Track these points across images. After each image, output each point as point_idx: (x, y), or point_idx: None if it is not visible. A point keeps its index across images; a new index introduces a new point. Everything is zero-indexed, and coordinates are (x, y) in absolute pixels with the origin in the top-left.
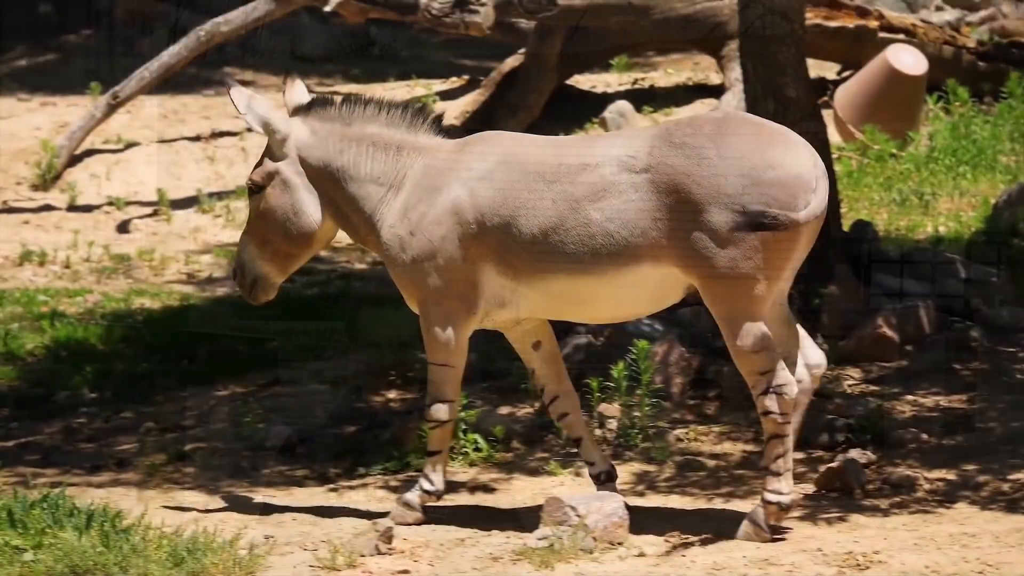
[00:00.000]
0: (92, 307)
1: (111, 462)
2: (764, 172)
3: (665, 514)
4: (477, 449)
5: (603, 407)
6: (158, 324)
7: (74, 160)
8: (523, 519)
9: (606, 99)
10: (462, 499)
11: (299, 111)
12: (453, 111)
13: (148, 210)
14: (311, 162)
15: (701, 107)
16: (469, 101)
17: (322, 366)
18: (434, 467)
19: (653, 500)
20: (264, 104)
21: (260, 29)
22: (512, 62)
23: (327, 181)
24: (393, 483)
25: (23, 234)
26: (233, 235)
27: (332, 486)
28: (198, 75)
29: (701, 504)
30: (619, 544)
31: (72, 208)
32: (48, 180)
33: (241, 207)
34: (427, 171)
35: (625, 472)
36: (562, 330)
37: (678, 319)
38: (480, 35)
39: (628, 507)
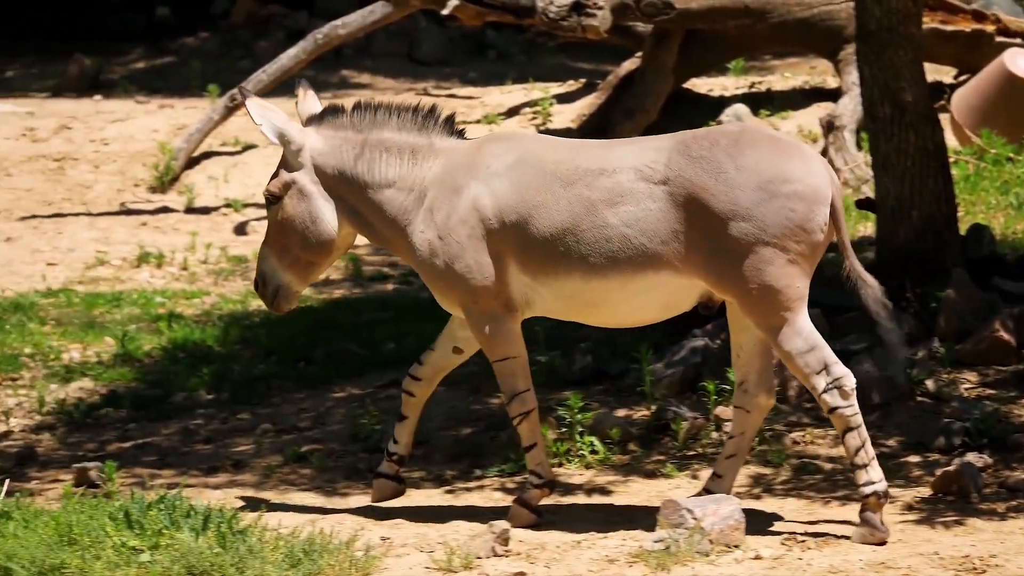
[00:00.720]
0: (209, 309)
1: (228, 463)
2: (781, 186)
3: (781, 517)
4: (594, 451)
5: (719, 410)
6: (275, 326)
7: (192, 162)
8: (639, 522)
9: (723, 103)
10: (578, 501)
11: (312, 121)
12: (569, 114)
13: (264, 212)
14: (326, 170)
15: (818, 111)
16: (585, 104)
17: None
18: (536, 461)
19: (769, 503)
20: (280, 116)
21: (377, 32)
22: (629, 65)
23: (344, 188)
24: (510, 485)
25: (141, 236)
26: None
27: (448, 488)
28: (315, 78)
29: (817, 507)
30: (735, 547)
31: (190, 210)
32: (166, 182)
33: None
34: (447, 172)
35: (741, 475)
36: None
37: None
38: (597, 39)
39: (744, 510)
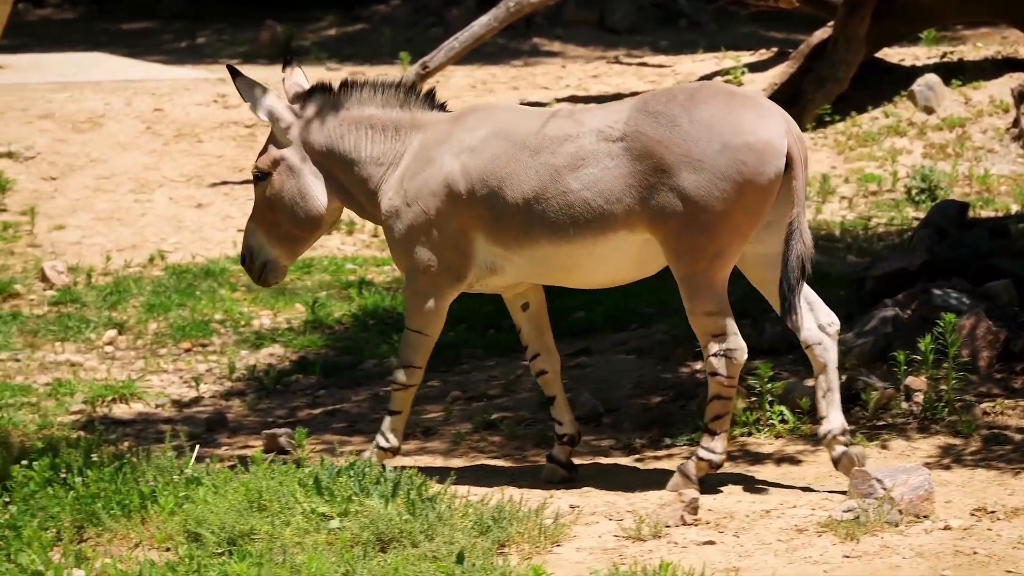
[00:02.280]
0: (399, 276)
1: (418, 430)
2: (733, 138)
3: (971, 487)
4: (783, 421)
5: (910, 380)
6: (464, 294)
7: None
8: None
9: (914, 72)
10: (768, 471)
11: (299, 98)
12: (761, 83)
13: None
14: (315, 147)
15: (1009, 81)
16: (777, 73)
17: (627, 336)
18: (390, 428)
19: (959, 473)
20: (269, 94)
21: (568, 0)
22: (820, 35)
23: (332, 163)
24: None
25: None
26: None
27: (637, 456)
28: (506, 46)
29: (1007, 478)
30: (925, 517)
31: None
32: None
33: None
34: (423, 145)
35: (931, 445)
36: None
37: (988, 292)
38: (789, 8)
39: (933, 480)
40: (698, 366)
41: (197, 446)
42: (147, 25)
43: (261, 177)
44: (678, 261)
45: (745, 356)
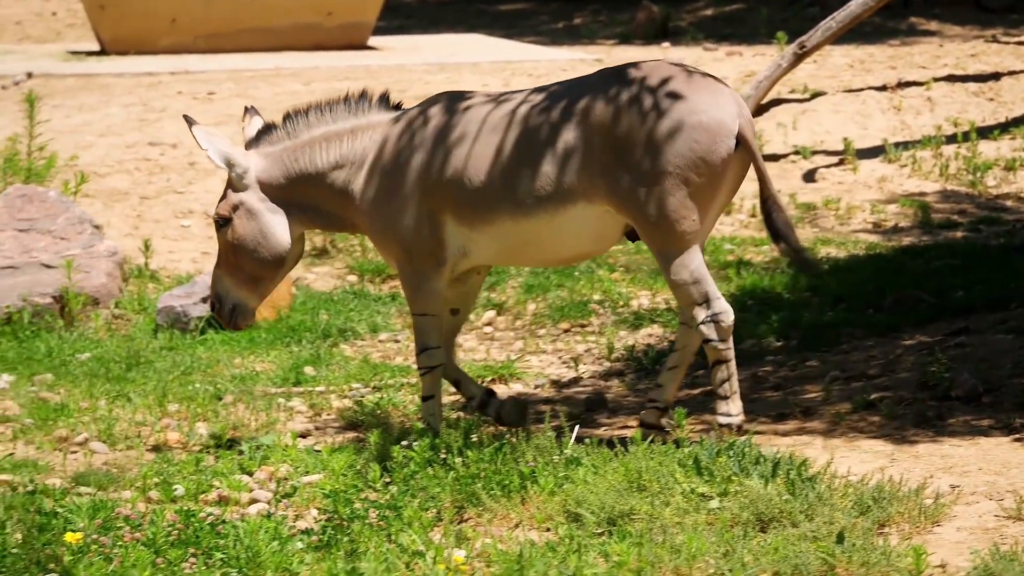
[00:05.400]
0: (778, 256)
1: (796, 410)
2: (687, 117)
3: None
4: None
5: None
6: (844, 273)
7: (760, 109)
8: None
9: None
10: None
11: (250, 144)
12: None
13: (834, 159)
14: (273, 183)
15: None
16: None
17: (1007, 315)
18: (429, 412)
19: None
20: (224, 141)
21: None
22: None
23: (294, 189)
24: None
25: None
26: (919, 185)
27: (1017, 436)
28: (883, 25)
29: None
30: None
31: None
32: None
33: (927, 157)
34: (386, 139)
35: None
36: None
37: None
38: None
39: None
40: None
41: (576, 426)
42: (523, 6)
43: (222, 224)
44: (647, 238)
45: (732, 318)
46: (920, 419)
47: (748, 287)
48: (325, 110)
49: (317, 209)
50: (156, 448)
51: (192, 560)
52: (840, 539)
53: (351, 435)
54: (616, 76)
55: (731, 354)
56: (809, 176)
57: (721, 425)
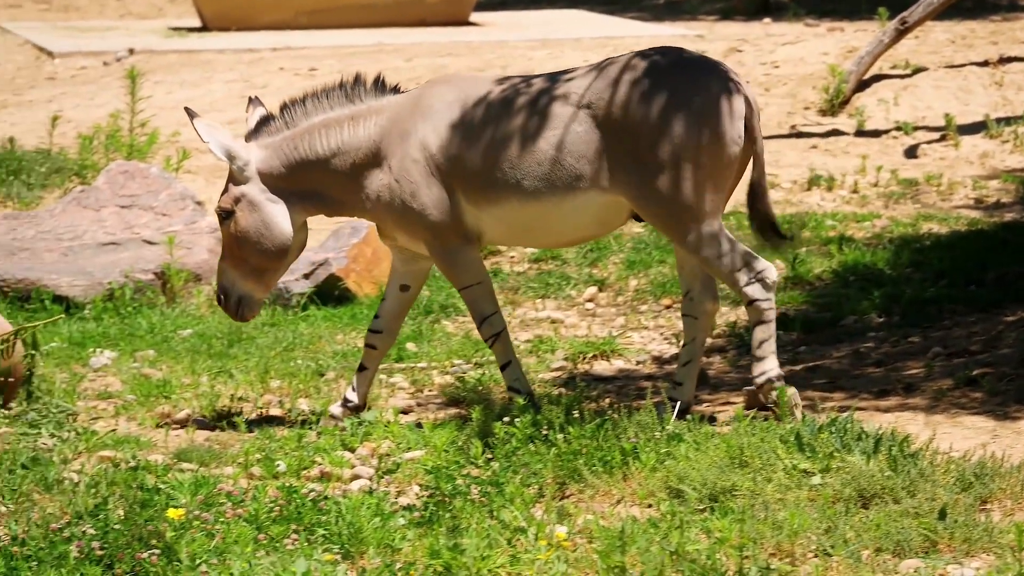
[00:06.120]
0: (879, 232)
1: (898, 386)
2: (696, 102)
3: None
4: None
5: None
6: (946, 249)
7: (862, 85)
8: None
9: None
10: None
11: (250, 135)
12: None
13: (935, 135)
14: (274, 173)
15: None
16: None
17: None
18: (513, 377)
19: None
20: (225, 134)
21: None
22: None
23: (296, 178)
24: None
25: (811, 158)
26: (1021, 161)
27: None
28: (985, 0)
29: None
30: None
31: (860, 133)
32: (836, 105)
33: None
34: (393, 121)
35: None
36: None
37: None
38: None
39: None
40: None
41: (679, 402)
42: None
43: (225, 216)
44: (669, 231)
45: (775, 273)
46: (1022, 395)
47: (850, 263)
48: (322, 98)
49: (320, 195)
50: (259, 423)
51: (294, 536)
52: (942, 515)
53: (453, 411)
54: (620, 65)
55: (774, 314)
56: (911, 152)
57: (760, 385)
